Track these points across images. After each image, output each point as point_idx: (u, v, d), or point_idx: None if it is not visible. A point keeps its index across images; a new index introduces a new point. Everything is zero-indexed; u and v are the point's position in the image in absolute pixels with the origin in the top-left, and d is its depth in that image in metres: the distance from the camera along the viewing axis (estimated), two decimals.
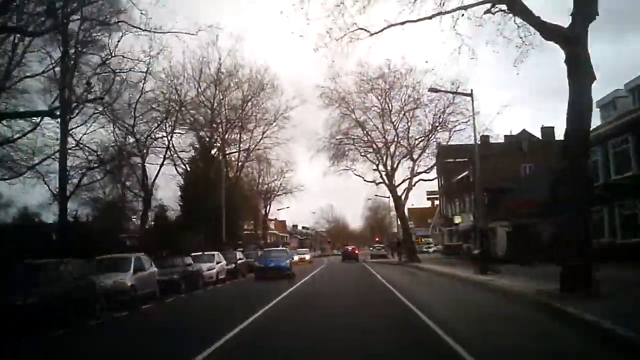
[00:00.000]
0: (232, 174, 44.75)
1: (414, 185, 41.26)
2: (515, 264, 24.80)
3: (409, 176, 40.63)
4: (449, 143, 40.57)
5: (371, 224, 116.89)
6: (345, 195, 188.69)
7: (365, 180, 42.81)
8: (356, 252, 63.63)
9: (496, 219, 35.16)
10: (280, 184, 61.94)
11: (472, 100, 23.67)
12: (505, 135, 50.15)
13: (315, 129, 42.57)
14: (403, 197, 40.65)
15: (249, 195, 55.77)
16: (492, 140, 45.53)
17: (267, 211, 65.70)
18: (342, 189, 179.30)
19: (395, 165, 40.81)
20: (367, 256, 73.05)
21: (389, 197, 65.29)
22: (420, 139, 40.38)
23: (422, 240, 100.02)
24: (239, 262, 29.79)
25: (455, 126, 39.20)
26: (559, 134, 55.66)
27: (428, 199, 65.38)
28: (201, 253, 25.99)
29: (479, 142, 46.79)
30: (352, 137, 40.91)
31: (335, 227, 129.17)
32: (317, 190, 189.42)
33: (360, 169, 43.17)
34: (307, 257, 51.33)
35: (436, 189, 66.74)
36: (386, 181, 40.95)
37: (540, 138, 48.45)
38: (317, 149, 40.63)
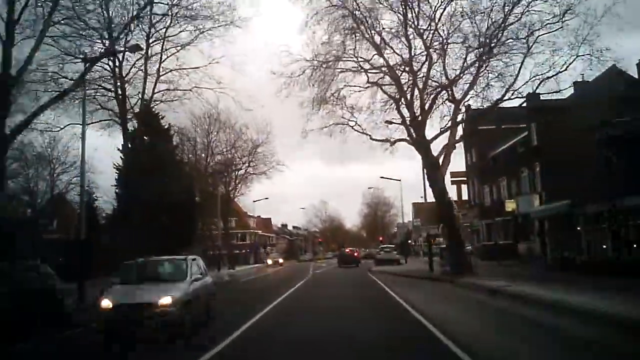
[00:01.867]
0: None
1: (459, 141, 24.12)
2: None
3: (449, 125, 23.47)
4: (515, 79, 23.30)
5: (370, 223, 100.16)
6: (341, 193, 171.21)
7: (373, 139, 25.72)
8: (356, 254, 48.49)
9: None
10: (250, 159, 44.86)
11: None
12: (575, 82, 32.54)
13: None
14: (441, 159, 23.44)
15: (196, 169, 38.73)
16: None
17: (232, 196, 48.01)
18: (338, 192, 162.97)
19: (427, 106, 23.58)
20: (369, 260, 56.60)
21: (399, 180, 48.92)
22: (470, 62, 23.31)
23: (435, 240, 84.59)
24: None
25: (531, 34, 22.06)
26: None
27: (453, 182, 48.61)
28: None
29: (522, 105, 30.10)
30: (354, 58, 23.77)
31: (329, 227, 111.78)
32: (310, 191, 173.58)
33: (366, 124, 26.27)
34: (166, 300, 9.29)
35: (457, 171, 49.54)
36: (412, 134, 23.79)
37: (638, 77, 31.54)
38: (291, 77, 23.51)
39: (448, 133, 23.61)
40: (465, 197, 49.24)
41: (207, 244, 44.18)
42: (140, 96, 25.14)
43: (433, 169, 23.06)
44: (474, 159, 44.44)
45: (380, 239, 69.12)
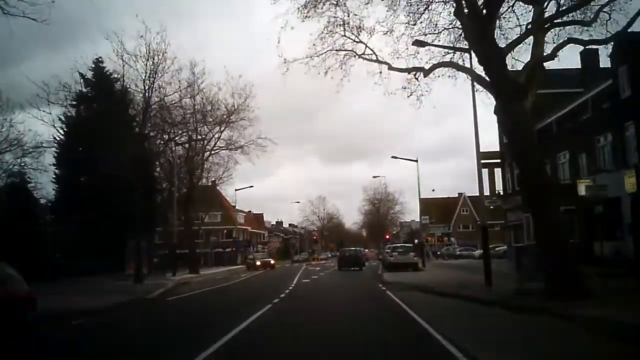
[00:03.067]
0: None
1: (549, 58, 13.77)
2: None
3: (529, 28, 13.28)
4: None
5: (371, 221, 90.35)
6: (341, 195, 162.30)
7: (392, 69, 15.61)
8: (359, 255, 39.36)
9: None
10: (222, 127, 34.67)
11: None
12: None
13: None
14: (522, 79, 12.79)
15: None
16: None
17: (198, 180, 37.51)
18: (337, 193, 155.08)
19: None
20: (373, 262, 46.90)
21: (416, 160, 38.87)
22: None
23: (446, 239, 76.02)
24: None
25: None
26: None
27: (484, 165, 38.75)
28: None
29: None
30: None
31: (328, 225, 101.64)
32: (308, 191, 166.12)
33: (377, 44, 16.40)
34: None
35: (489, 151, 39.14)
36: (471, 36, 13.08)
37: None
38: None
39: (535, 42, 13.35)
40: (500, 185, 38.98)
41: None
42: None
43: (512, 99, 12.53)
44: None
45: (388, 237, 59.19)
